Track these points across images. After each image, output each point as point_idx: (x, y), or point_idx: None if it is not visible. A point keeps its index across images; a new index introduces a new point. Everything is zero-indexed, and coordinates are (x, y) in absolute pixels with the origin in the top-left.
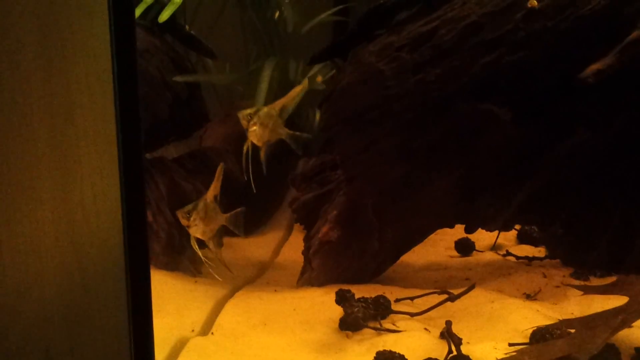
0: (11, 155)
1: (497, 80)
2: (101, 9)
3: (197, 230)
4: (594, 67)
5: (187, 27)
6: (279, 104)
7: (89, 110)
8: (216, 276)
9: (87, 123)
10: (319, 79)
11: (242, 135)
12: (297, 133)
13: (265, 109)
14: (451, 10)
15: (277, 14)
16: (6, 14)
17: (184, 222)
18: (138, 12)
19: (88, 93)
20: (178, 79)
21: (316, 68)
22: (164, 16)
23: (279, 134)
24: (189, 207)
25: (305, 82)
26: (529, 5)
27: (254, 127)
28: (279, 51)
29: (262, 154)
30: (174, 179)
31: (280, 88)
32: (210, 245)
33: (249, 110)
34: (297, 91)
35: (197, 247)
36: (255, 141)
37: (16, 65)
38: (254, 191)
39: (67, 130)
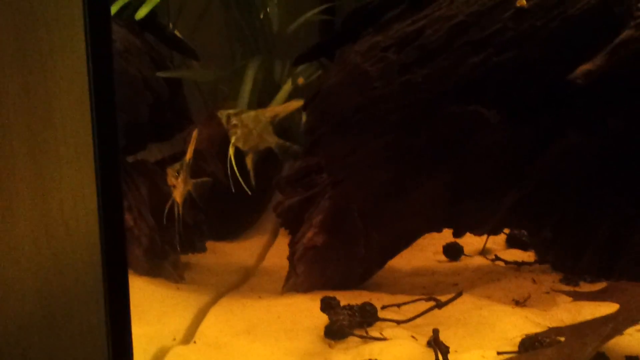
0: None
1: (485, 81)
2: (77, 8)
3: (178, 191)
4: (584, 68)
5: (170, 26)
6: (270, 111)
7: (68, 113)
8: None
9: (66, 126)
10: (301, 80)
11: (227, 138)
12: (288, 143)
13: (253, 113)
14: (438, 10)
15: (262, 14)
16: None
17: (171, 180)
18: (114, 9)
19: (67, 95)
20: (161, 74)
21: (302, 68)
22: (141, 13)
23: (267, 141)
24: (177, 165)
25: (299, 102)
26: (518, 5)
27: (235, 130)
28: (264, 51)
29: (249, 162)
30: (156, 183)
31: (265, 88)
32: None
33: (230, 111)
34: (294, 105)
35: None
36: (240, 146)
37: None
38: (238, 196)
39: (45, 133)
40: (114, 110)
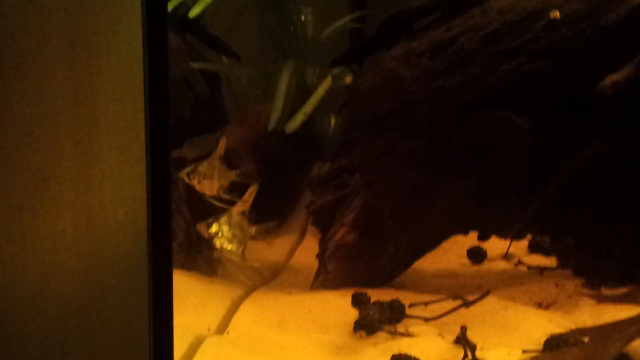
0: (35, 153)
1: (516, 88)
2: (133, 9)
3: (204, 186)
4: (612, 77)
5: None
6: (216, 154)
7: (112, 109)
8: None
9: (110, 123)
10: (349, 79)
11: (259, 137)
12: (248, 173)
13: (205, 162)
14: (472, 19)
15: (302, 18)
16: (32, 14)
17: (188, 180)
18: (170, 7)
19: (112, 92)
20: (195, 65)
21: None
22: (195, 12)
23: (228, 177)
24: (188, 169)
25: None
26: (551, 17)
27: (196, 183)
28: (297, 55)
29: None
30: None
31: (297, 92)
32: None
33: (186, 170)
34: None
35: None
36: (207, 193)
37: (42, 64)
38: (268, 196)
39: (90, 129)
40: (167, 106)
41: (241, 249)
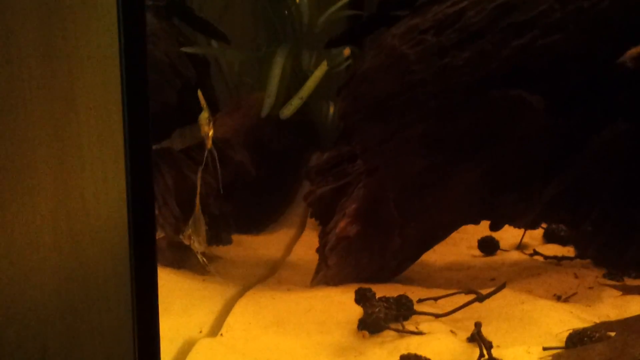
0: (9, 143)
1: (529, 65)
2: None
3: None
4: (634, 51)
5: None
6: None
7: (91, 97)
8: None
9: (89, 111)
10: (347, 51)
11: (254, 126)
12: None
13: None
14: None
15: (291, 3)
16: None
17: (204, 129)
18: None
19: (91, 79)
20: (186, 49)
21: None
22: None
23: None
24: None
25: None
26: None
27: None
28: (291, 39)
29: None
30: (182, 171)
31: (293, 77)
32: None
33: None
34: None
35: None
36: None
37: (15, 49)
38: (265, 188)
39: (68, 118)
40: (146, 94)
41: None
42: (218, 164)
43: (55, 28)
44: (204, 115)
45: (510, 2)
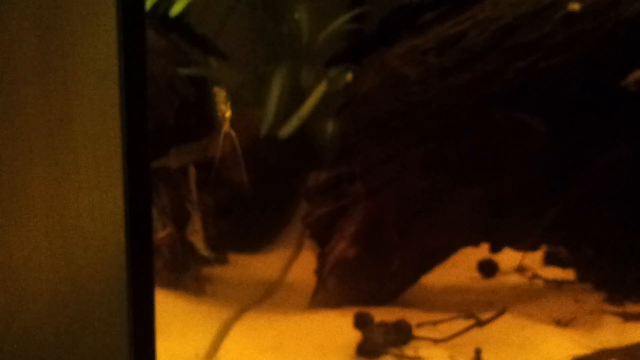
0: (5, 162)
1: (531, 87)
2: (107, 5)
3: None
4: (637, 74)
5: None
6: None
7: (89, 114)
8: None
9: (86, 129)
10: (349, 76)
11: (251, 145)
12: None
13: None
14: (482, 12)
15: (290, 19)
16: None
17: (221, 108)
18: (148, 4)
19: (89, 98)
20: (183, 71)
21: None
22: (176, 10)
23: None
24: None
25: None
26: (570, 9)
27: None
28: (291, 56)
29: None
30: (179, 190)
31: (292, 95)
32: None
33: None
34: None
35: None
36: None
37: (11, 66)
38: (262, 207)
39: (64, 136)
40: (145, 113)
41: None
42: (239, 148)
43: (53, 46)
44: (222, 93)
45: (513, 23)
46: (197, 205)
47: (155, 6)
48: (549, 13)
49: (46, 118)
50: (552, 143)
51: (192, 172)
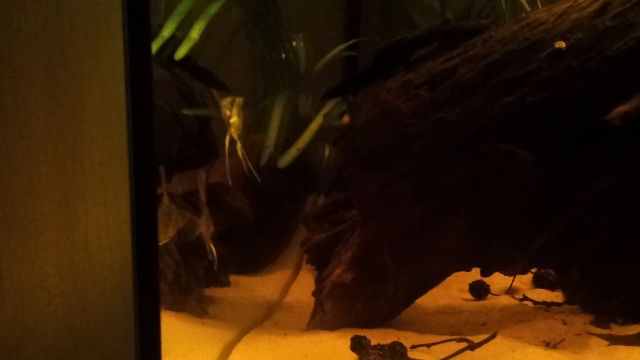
0: (14, 190)
1: (519, 121)
2: (115, 45)
3: (233, 127)
4: (621, 109)
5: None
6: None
7: (96, 145)
8: None
9: (93, 159)
10: (346, 119)
11: (251, 172)
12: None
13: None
14: (472, 49)
15: (294, 45)
16: (9, 53)
17: (225, 112)
18: (154, 47)
19: (96, 128)
20: (187, 112)
21: (330, 105)
22: (181, 53)
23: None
24: (230, 98)
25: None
26: (557, 46)
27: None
28: (289, 85)
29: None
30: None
31: (290, 122)
32: None
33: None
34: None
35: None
36: (235, 135)
37: (22, 99)
38: (261, 230)
39: (72, 166)
40: (151, 144)
41: None
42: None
43: (61, 78)
44: (227, 99)
45: (500, 60)
46: (206, 205)
47: (162, 46)
48: (536, 50)
49: (56, 149)
50: (540, 172)
51: (202, 176)
